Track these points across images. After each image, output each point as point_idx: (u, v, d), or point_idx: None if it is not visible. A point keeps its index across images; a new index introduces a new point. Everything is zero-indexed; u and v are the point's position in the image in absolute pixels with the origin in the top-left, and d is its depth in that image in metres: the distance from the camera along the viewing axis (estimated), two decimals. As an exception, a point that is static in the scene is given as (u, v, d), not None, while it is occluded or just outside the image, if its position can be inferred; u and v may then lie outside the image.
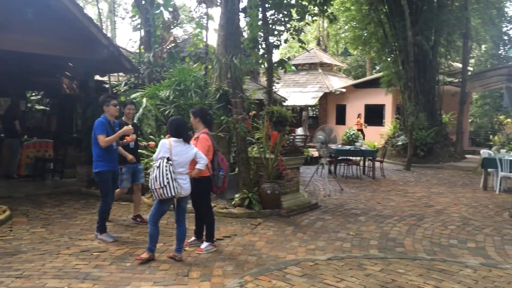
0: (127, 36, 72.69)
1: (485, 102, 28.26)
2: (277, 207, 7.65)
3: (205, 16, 12.27)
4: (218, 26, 9.75)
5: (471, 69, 23.64)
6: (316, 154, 13.99)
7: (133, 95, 9.29)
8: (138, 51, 12.16)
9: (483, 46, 27.58)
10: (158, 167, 4.82)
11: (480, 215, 7.99)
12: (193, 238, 5.75)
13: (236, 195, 7.71)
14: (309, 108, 24.41)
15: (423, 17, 16.28)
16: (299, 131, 19.40)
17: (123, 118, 6.65)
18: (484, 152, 11.90)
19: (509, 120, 23.58)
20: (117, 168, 6.04)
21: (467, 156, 18.08)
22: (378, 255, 5.45)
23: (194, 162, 5.14)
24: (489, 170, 10.89)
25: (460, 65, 19.40)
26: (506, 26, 26.89)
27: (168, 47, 11.23)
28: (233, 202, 7.66)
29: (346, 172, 13.05)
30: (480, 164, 11.89)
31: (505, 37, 26.98)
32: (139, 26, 11.97)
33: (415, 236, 6.48)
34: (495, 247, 5.99)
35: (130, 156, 6.34)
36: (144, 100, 8.73)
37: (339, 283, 4.40)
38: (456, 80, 19.68)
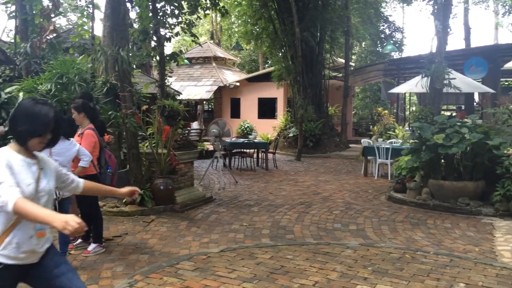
0: (1, 25, 66.24)
1: (366, 95, 30.66)
2: (171, 203, 7.56)
3: (91, 5, 11.58)
4: (104, 16, 9.28)
5: (353, 64, 25.47)
6: (211, 147, 14.06)
7: (8, 89, 8.45)
8: (13, 40, 11.09)
9: (363, 43, 29.86)
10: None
11: (361, 199, 8.70)
12: (79, 240, 5.43)
13: (128, 193, 7.44)
14: (204, 101, 24.42)
15: (309, 15, 17.13)
16: (195, 125, 19.34)
17: None
18: (364, 141, 12.96)
19: (386, 111, 25.84)
20: None
21: (350, 145, 19.47)
22: (269, 244, 5.66)
23: (77, 159, 4.84)
24: (369, 157, 11.88)
25: (343, 61, 20.81)
26: (383, 25, 29.43)
27: (48, 37, 10.38)
28: (124, 200, 7.39)
29: (241, 164, 13.32)
30: (361, 152, 12.90)
31: (382, 35, 29.49)
32: (14, 13, 10.92)
33: (303, 222, 6.85)
34: (373, 228, 6.57)
35: None
36: (21, 94, 7.97)
37: (230, 273, 4.49)
38: (340, 75, 21.10)
